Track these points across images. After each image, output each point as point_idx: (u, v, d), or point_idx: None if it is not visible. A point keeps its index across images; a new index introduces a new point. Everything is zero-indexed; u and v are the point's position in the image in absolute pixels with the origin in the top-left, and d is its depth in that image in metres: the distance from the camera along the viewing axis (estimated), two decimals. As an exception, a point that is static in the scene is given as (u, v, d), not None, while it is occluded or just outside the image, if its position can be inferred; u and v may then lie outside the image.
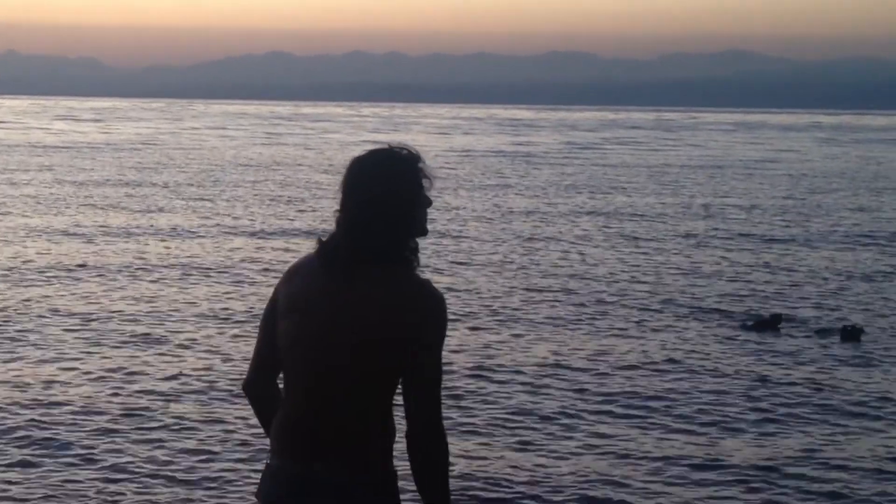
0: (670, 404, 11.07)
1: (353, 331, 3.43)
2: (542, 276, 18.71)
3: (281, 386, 3.66)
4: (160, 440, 9.57)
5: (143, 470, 8.85)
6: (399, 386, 3.49)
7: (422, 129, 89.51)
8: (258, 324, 3.72)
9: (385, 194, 3.47)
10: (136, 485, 8.53)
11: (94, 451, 9.27)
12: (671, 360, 12.89)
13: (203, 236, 22.80)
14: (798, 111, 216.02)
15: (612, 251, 21.95)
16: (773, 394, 11.58)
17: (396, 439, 3.57)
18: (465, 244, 22.43)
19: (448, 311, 3.50)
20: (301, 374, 3.52)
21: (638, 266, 20.05)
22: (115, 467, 8.90)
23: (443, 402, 3.52)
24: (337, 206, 3.55)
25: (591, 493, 8.62)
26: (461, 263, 19.84)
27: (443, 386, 3.52)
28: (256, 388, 3.70)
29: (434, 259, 19.91)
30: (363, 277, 3.46)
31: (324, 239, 3.55)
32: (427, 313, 3.44)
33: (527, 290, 17.39)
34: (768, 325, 14.88)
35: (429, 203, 3.57)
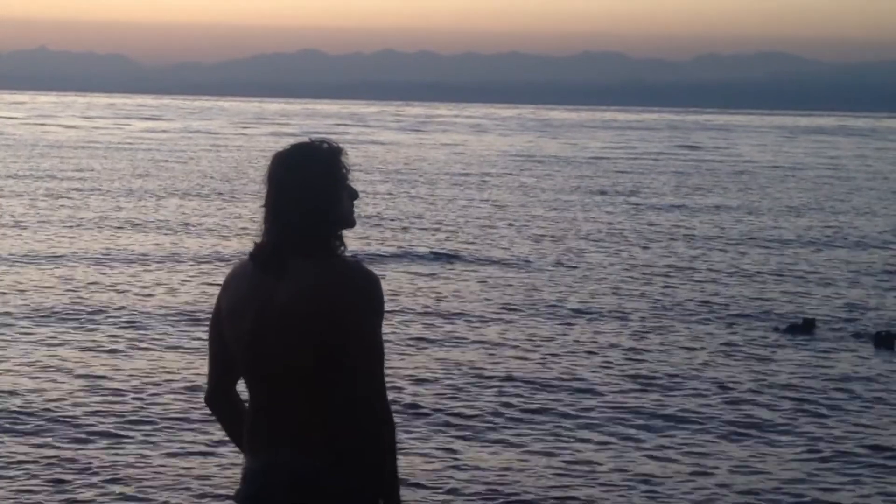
0: (701, 410, 10.98)
1: (291, 326, 3.48)
2: (580, 279, 18.63)
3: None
4: (141, 440, 9.57)
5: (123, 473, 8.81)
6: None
7: (484, 131, 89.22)
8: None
9: (306, 188, 3.53)
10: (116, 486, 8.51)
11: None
12: (704, 365, 12.82)
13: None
14: (836, 114, 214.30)
15: (648, 253, 21.85)
16: (804, 399, 11.46)
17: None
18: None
19: (382, 289, 3.53)
20: (255, 376, 3.60)
21: (674, 269, 19.96)
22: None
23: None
24: (262, 203, 3.60)
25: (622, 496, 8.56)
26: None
27: (386, 365, 3.52)
28: (217, 399, 3.79)
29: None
30: (292, 271, 3.50)
31: (257, 241, 3.60)
32: (357, 291, 3.47)
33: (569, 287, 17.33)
34: (801, 329, 14.76)
35: (354, 195, 3.62)
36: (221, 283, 3.74)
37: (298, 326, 3.47)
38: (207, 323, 3.83)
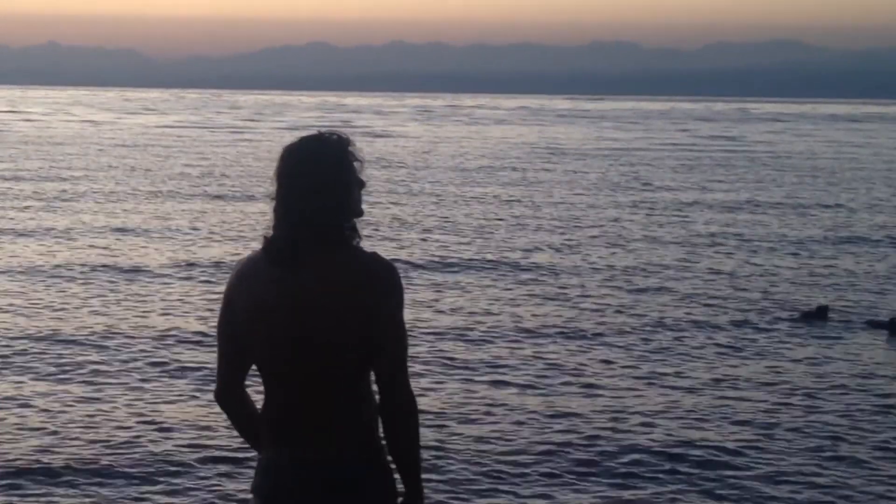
0: (718, 398, 10.94)
1: (317, 320, 3.49)
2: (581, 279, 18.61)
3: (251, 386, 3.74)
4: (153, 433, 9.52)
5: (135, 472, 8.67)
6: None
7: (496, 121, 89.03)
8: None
9: (319, 181, 3.52)
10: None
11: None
12: (718, 352, 12.78)
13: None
14: (850, 101, 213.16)
15: (663, 248, 21.82)
16: (820, 388, 11.40)
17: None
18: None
19: (400, 277, 3.54)
20: (278, 372, 3.59)
21: (694, 258, 19.93)
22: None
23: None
24: (272, 197, 3.60)
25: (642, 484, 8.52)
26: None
27: (409, 351, 3.54)
28: (229, 396, 3.76)
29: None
30: (311, 265, 3.51)
31: (268, 236, 3.60)
32: (379, 282, 3.50)
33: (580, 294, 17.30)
34: (815, 316, 14.70)
35: (362, 185, 3.63)
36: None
37: (326, 324, 3.48)
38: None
